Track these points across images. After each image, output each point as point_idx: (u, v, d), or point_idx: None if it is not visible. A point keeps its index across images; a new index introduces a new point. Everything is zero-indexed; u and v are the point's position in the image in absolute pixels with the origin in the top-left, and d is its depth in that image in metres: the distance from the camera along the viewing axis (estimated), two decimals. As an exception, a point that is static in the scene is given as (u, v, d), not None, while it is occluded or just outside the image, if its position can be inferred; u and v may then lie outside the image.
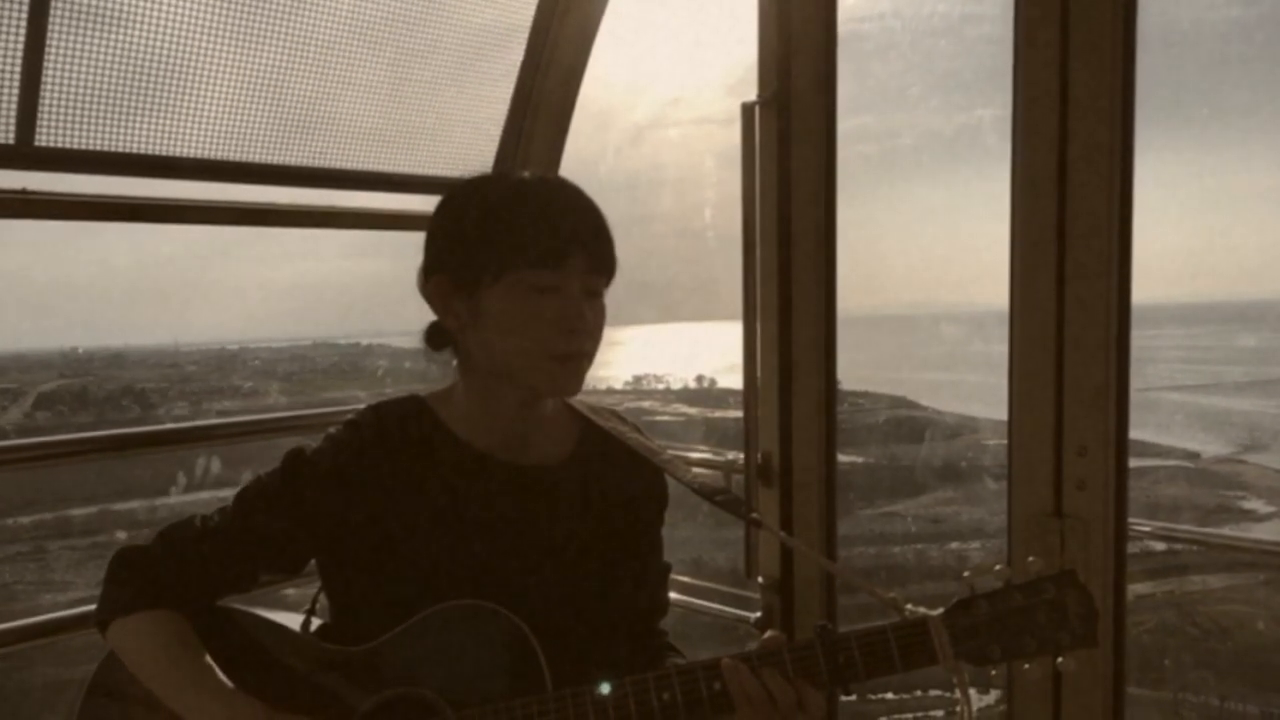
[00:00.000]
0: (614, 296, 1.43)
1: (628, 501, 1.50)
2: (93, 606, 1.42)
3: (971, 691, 1.30)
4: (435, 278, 1.40)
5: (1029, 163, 1.91)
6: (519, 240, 1.33)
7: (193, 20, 1.99)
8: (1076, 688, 1.93)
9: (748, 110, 2.29)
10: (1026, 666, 1.29)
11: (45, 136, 1.91)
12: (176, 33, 1.98)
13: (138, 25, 1.93)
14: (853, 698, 1.30)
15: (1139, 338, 1.91)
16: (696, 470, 1.53)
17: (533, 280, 1.33)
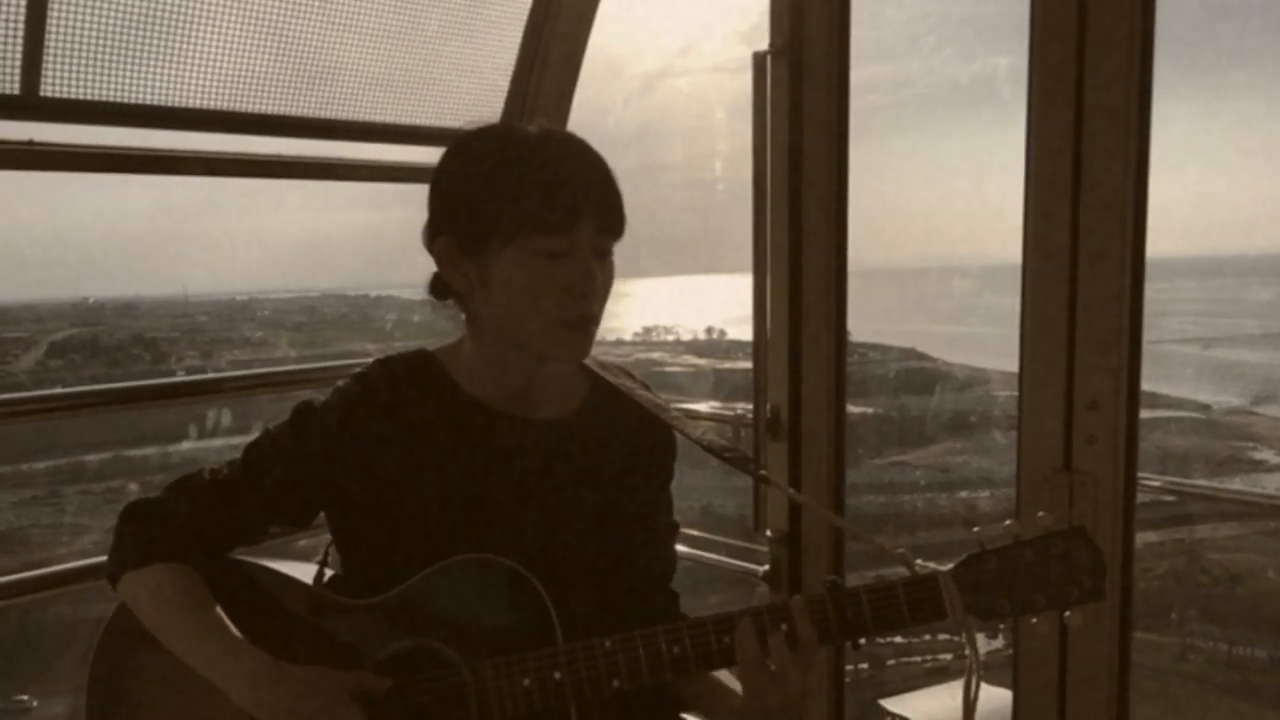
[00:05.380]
0: (623, 249, 1.41)
1: (635, 456, 1.50)
2: (105, 557, 1.43)
3: (980, 637, 1.31)
4: (442, 239, 1.38)
5: (1044, 113, 1.88)
6: (528, 205, 1.31)
7: (198, -33, 1.97)
8: (1083, 640, 1.94)
9: (759, 59, 2.25)
10: (1034, 621, 1.30)
11: (50, 86, 1.89)
12: (181, -19, 1.95)
13: (142, -27, 1.90)
14: (862, 643, 1.31)
15: (1152, 291, 1.90)
16: (706, 424, 1.53)
17: (543, 246, 1.31)
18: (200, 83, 2.06)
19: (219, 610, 1.35)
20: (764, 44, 2.27)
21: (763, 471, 1.61)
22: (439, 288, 1.44)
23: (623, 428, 1.50)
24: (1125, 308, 1.86)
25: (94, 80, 1.93)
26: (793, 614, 1.27)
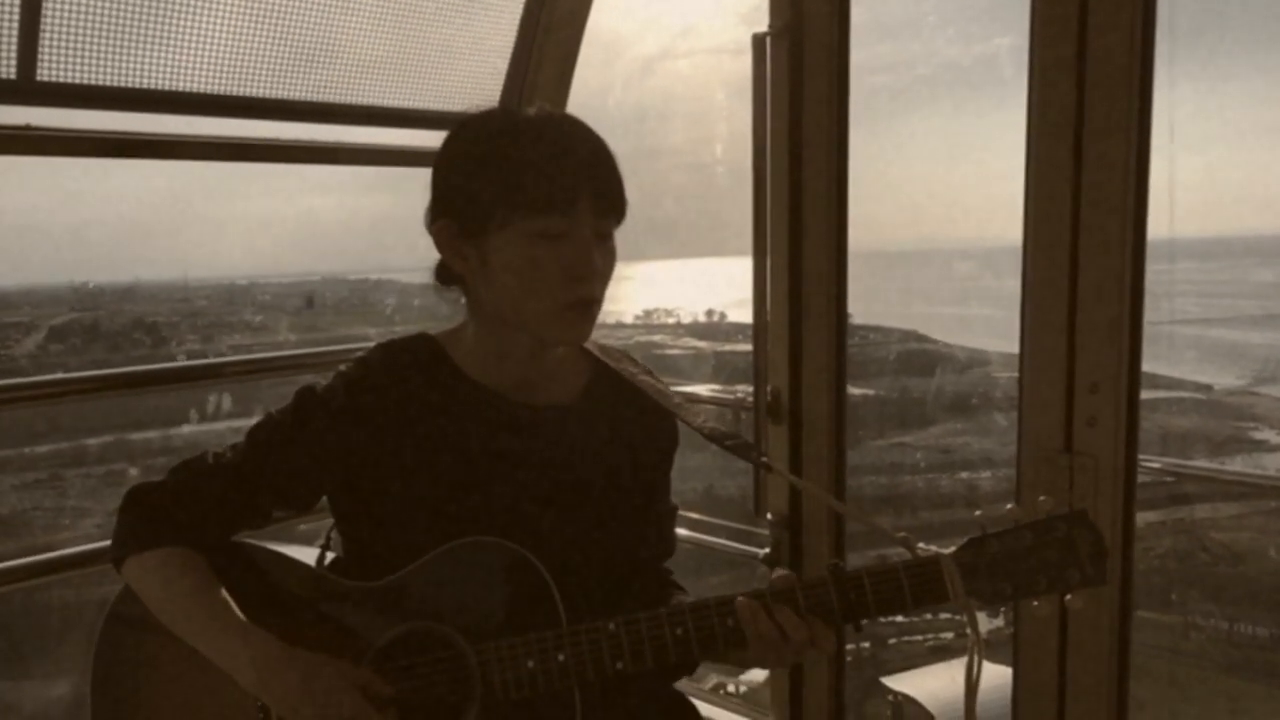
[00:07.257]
0: (623, 232, 1.41)
1: (637, 442, 1.50)
2: (108, 541, 1.43)
3: (981, 615, 1.31)
4: (441, 222, 1.38)
5: (1046, 93, 1.87)
6: (526, 187, 1.30)
7: (194, -50, 1.95)
8: (1084, 620, 1.94)
9: (758, 41, 2.24)
10: (1035, 604, 1.30)
11: (47, 71, 1.88)
12: (177, -37, 1.94)
13: (137, -44, 1.89)
14: (865, 624, 1.32)
15: (1153, 272, 1.89)
16: (706, 407, 1.53)
17: (541, 228, 1.31)
18: (197, 67, 2.06)
19: (224, 593, 1.35)
20: (764, 25, 2.25)
21: (765, 459, 1.61)
22: (444, 273, 1.44)
23: (625, 413, 1.50)
24: (1126, 289, 1.85)
25: (90, 65, 1.92)
26: (794, 595, 1.28)
